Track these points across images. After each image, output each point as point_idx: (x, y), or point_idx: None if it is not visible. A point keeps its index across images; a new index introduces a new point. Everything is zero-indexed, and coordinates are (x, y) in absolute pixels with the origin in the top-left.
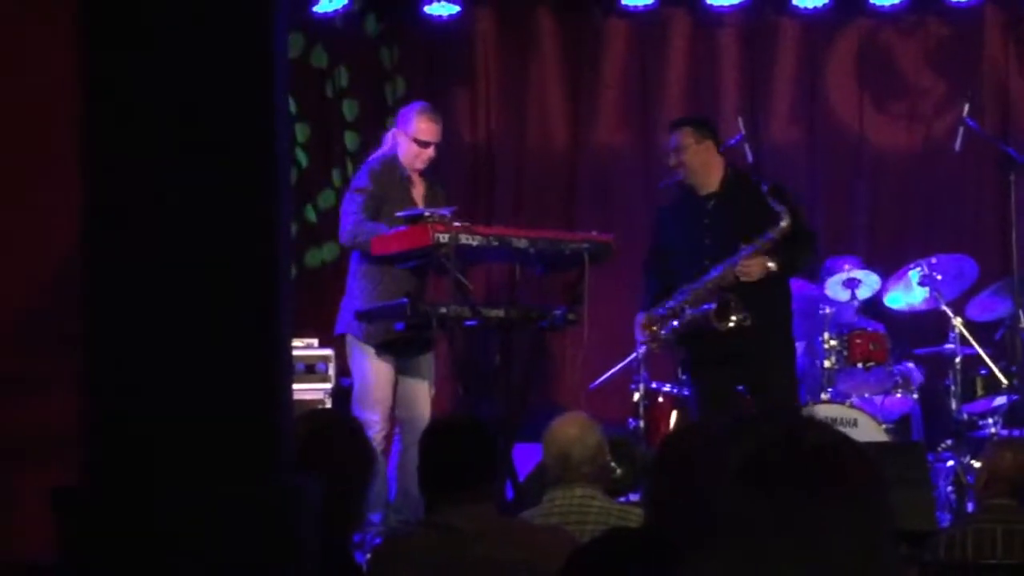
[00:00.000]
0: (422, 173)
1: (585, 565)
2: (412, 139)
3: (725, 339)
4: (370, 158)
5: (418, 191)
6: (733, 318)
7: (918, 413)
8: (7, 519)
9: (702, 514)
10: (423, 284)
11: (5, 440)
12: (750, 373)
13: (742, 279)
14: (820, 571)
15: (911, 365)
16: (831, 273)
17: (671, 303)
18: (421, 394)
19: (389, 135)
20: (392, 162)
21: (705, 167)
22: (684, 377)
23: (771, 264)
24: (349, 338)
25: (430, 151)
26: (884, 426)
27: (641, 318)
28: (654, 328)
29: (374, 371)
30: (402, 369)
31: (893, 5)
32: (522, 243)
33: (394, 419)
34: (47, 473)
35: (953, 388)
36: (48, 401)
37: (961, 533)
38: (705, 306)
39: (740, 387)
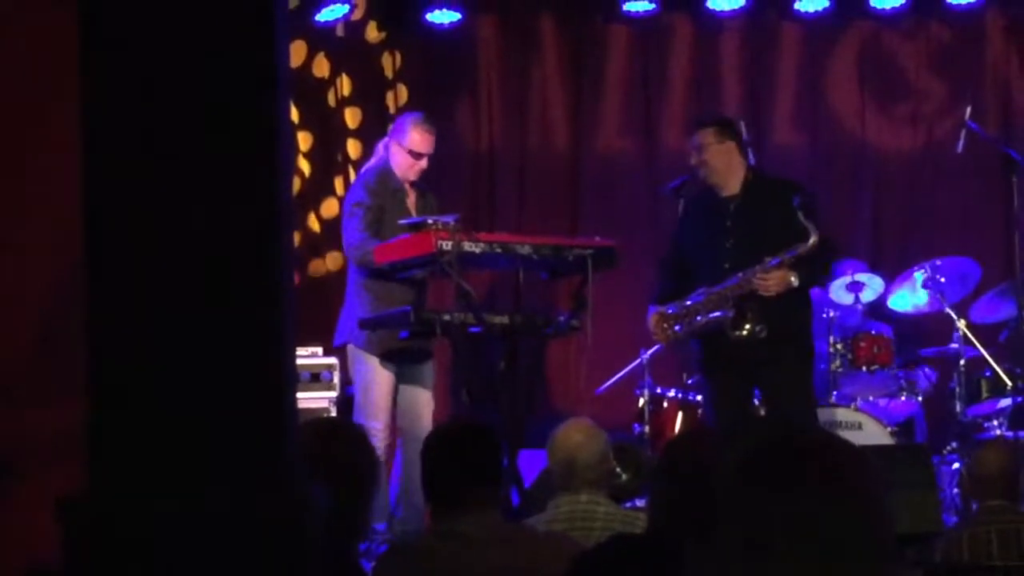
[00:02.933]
0: (413, 184)
1: (589, 571)
2: (407, 150)
3: (740, 342)
4: (363, 170)
5: (411, 200)
6: (747, 327)
7: (923, 415)
8: (12, 525)
9: (703, 515)
10: (423, 293)
11: (9, 446)
12: (763, 380)
13: (761, 291)
14: (819, 569)
15: (922, 377)
16: (835, 277)
17: (688, 302)
18: (423, 403)
19: (381, 145)
20: (385, 173)
21: (727, 168)
22: (695, 379)
23: (793, 279)
24: (351, 348)
25: (423, 162)
26: (889, 429)
27: (653, 313)
28: (666, 325)
29: (377, 380)
30: (403, 378)
31: (894, 8)
32: (525, 249)
33: (396, 428)
34: (52, 480)
35: (957, 390)
36: (53, 408)
37: (957, 536)
38: (721, 312)
39: (755, 394)
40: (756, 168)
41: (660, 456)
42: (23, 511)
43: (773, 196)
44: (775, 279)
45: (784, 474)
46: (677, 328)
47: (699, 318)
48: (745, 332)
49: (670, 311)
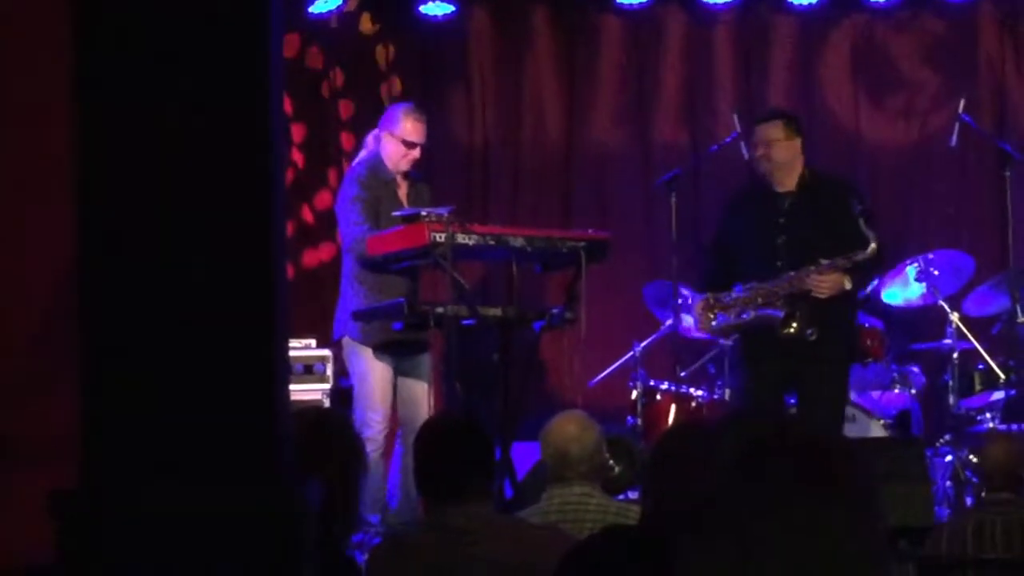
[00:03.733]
0: (405, 174)
1: (581, 563)
2: (399, 140)
3: (784, 339)
4: (353, 165)
5: (402, 191)
6: (795, 326)
7: (916, 408)
8: (5, 521)
9: (695, 507)
10: (416, 285)
11: (3, 441)
12: (804, 377)
13: (814, 293)
14: (810, 564)
15: (915, 370)
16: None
17: (734, 294)
18: (421, 395)
19: (371, 137)
20: (376, 166)
21: (789, 164)
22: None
23: (847, 283)
24: (346, 340)
25: (416, 152)
26: (882, 422)
27: (699, 301)
28: (711, 314)
29: (373, 371)
30: (401, 370)
31: (888, 1)
32: (519, 242)
33: (395, 420)
34: (45, 475)
35: (951, 383)
36: (47, 402)
37: (961, 527)
38: (772, 311)
39: (790, 397)
40: (811, 165)
41: (651, 449)
42: (16, 507)
43: (828, 195)
44: (830, 282)
45: (776, 470)
46: (720, 318)
47: (746, 314)
48: (793, 330)
49: (723, 300)
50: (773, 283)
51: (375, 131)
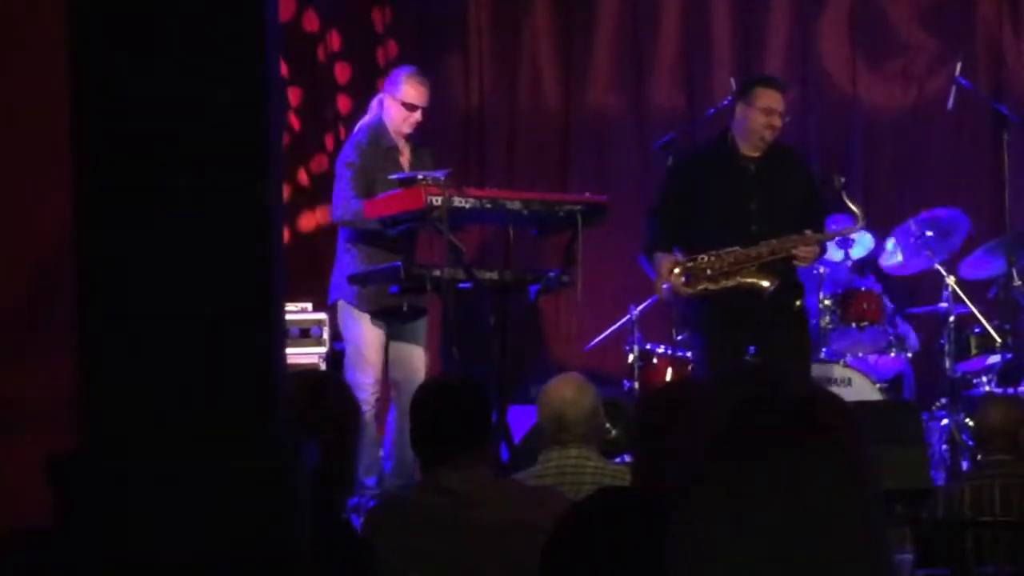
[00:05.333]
0: (408, 138)
1: (576, 524)
2: (400, 103)
3: (740, 301)
4: (357, 128)
5: (405, 158)
6: (766, 285)
7: (912, 372)
8: (3, 484)
9: (686, 467)
10: (413, 249)
11: (1, 404)
12: (763, 339)
13: (797, 262)
14: (804, 524)
15: (912, 333)
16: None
17: (705, 256)
18: (416, 357)
19: (375, 101)
20: (379, 131)
21: None
22: (685, 335)
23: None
24: (341, 304)
25: (417, 115)
26: (878, 385)
27: (666, 260)
28: (677, 271)
29: (366, 335)
30: (395, 335)
31: None
32: (515, 205)
33: (388, 383)
34: (42, 438)
35: (947, 347)
36: (43, 366)
37: (959, 490)
38: (768, 283)
39: (751, 348)
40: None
41: (636, 411)
42: (14, 470)
43: (788, 162)
44: (814, 252)
45: (767, 423)
46: (685, 279)
47: (731, 282)
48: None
49: (697, 259)
50: (753, 248)
51: (380, 95)
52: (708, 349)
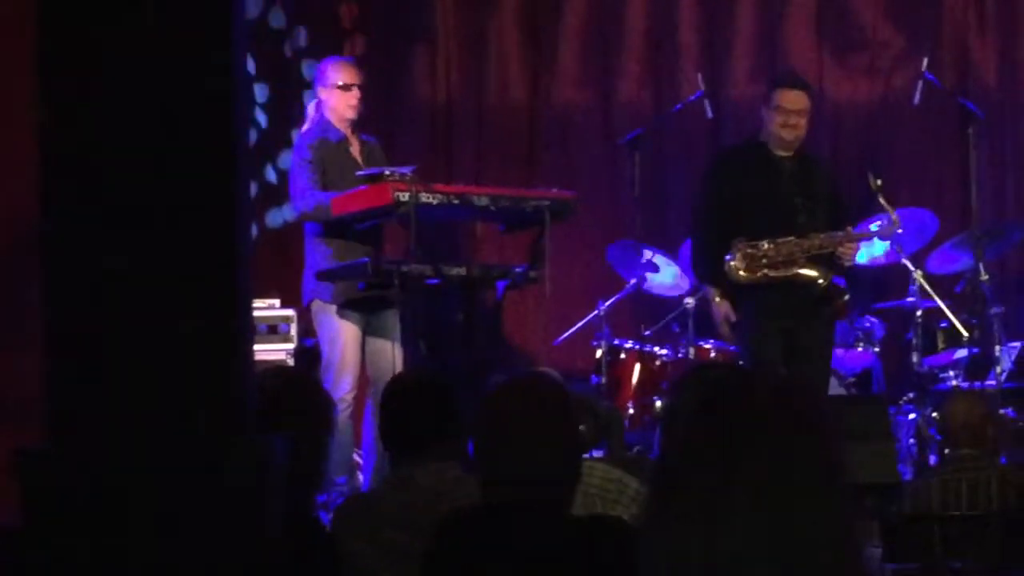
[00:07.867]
0: (354, 129)
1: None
2: (335, 87)
3: (788, 295)
4: (300, 133)
5: (355, 148)
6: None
7: (879, 367)
8: None
9: (662, 457)
10: (380, 244)
11: None
12: (798, 336)
13: (840, 259)
14: (775, 515)
15: (878, 328)
16: None
17: (766, 245)
18: (388, 351)
19: (311, 107)
20: (324, 128)
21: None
22: (741, 323)
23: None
24: (317, 304)
25: (355, 93)
26: (846, 380)
27: (743, 246)
28: (738, 259)
29: (343, 334)
30: (369, 329)
31: None
32: (483, 201)
33: (364, 381)
34: (10, 434)
35: (914, 341)
36: (11, 362)
37: (926, 484)
38: (817, 274)
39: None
40: None
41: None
42: None
43: (818, 165)
44: (855, 249)
45: (738, 409)
46: (745, 265)
47: (788, 271)
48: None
49: (744, 246)
50: (805, 240)
51: (313, 100)
52: (760, 337)
